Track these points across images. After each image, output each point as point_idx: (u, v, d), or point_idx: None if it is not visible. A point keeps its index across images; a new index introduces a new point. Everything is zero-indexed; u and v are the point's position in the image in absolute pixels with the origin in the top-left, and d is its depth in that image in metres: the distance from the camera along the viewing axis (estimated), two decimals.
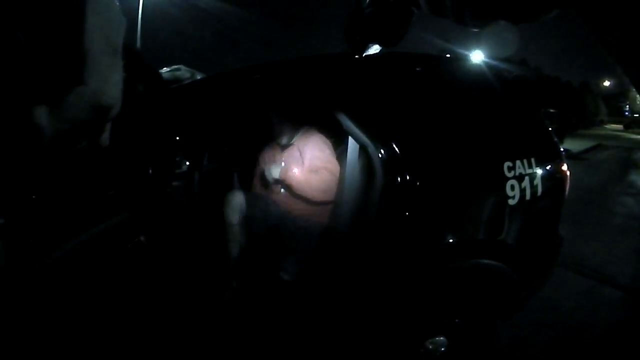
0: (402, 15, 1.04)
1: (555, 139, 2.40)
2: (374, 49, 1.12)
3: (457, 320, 1.95)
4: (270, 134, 2.64)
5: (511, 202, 1.84)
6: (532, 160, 2.04)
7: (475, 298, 1.91)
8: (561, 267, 3.77)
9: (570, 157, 13.09)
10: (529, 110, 2.39)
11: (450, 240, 1.71)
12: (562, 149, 2.53)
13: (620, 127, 45.08)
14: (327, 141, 2.54)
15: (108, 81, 1.00)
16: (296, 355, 2.03)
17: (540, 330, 2.82)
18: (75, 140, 1.06)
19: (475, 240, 1.78)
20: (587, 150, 16.68)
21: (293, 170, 2.41)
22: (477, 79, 2.31)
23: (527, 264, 2.02)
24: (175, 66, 2.26)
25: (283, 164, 2.49)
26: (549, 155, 2.27)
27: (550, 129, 2.43)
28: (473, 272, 1.80)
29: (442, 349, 2.02)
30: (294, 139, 2.58)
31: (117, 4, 1.03)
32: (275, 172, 2.41)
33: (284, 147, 2.59)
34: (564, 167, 2.37)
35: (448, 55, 2.55)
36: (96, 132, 1.07)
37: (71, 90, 0.96)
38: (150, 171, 1.91)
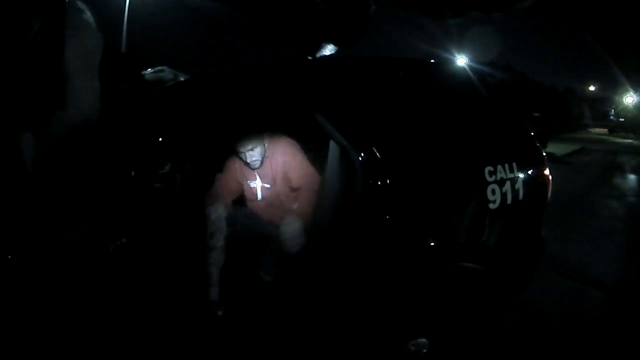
0: (359, 11, 1.03)
1: (538, 143, 2.44)
2: (329, 49, 1.10)
3: (438, 322, 1.97)
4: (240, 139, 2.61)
5: (492, 206, 1.86)
6: (514, 164, 2.06)
7: (457, 301, 1.93)
8: (544, 269, 3.83)
9: (554, 160, 13.11)
10: (511, 115, 2.42)
11: (432, 244, 1.72)
12: (544, 153, 2.57)
13: (605, 131, 45.79)
14: (296, 144, 2.53)
15: (86, 103, 1.05)
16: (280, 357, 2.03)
17: (523, 330, 2.86)
18: (57, 153, 1.10)
19: (457, 244, 1.80)
20: (571, 154, 16.67)
21: (267, 186, 2.45)
22: (460, 84, 2.33)
23: (508, 267, 2.05)
24: (159, 67, 2.24)
25: (258, 180, 2.50)
26: (530, 159, 2.30)
27: (532, 133, 2.47)
28: (454, 275, 1.82)
29: (424, 350, 2.04)
30: (261, 146, 2.46)
31: (94, 25, 1.07)
32: (251, 194, 2.45)
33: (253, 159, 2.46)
34: (546, 172, 2.40)
35: (432, 61, 2.57)
36: (75, 143, 1.12)
37: (54, 115, 1.02)
38: (133, 173, 1.89)
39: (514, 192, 1.99)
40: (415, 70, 2.23)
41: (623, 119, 47.08)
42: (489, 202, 1.85)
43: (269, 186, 2.51)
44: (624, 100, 47.00)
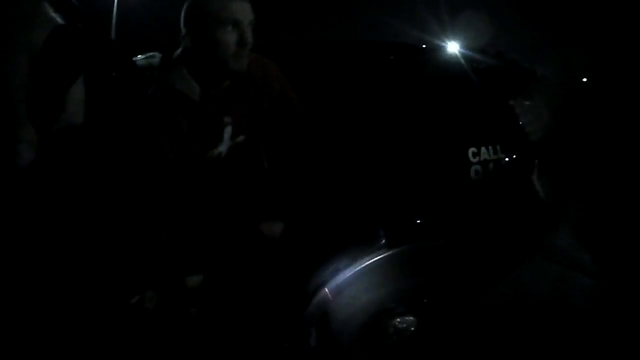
0: None
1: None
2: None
3: (425, 300, 2.03)
4: None
5: (477, 185, 1.93)
6: (498, 147, 2.13)
7: (443, 277, 2.00)
8: (536, 254, 3.92)
9: None
10: (498, 100, 2.48)
11: (418, 221, 1.80)
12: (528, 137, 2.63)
13: None
14: None
15: (81, 103, 1.11)
16: None
17: (509, 312, 2.94)
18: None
19: (442, 221, 1.87)
20: None
21: None
22: (450, 70, 2.39)
23: (494, 242, 2.12)
24: (150, 53, 2.27)
25: None
26: (514, 142, 2.37)
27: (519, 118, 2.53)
28: (439, 251, 1.89)
29: (412, 328, 2.11)
30: None
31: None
32: None
33: None
34: (530, 155, 2.47)
35: (424, 46, 2.63)
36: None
37: (57, 119, 1.06)
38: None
39: (498, 172, 2.06)
40: (407, 55, 2.29)
41: None
42: (473, 181, 1.91)
43: None
44: None
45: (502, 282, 2.60)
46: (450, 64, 2.43)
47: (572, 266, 3.77)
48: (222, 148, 1.23)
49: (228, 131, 1.23)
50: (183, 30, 1.21)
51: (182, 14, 1.21)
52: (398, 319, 2.06)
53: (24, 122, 1.13)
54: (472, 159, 1.93)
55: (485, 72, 2.61)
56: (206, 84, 1.20)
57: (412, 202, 1.85)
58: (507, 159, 2.17)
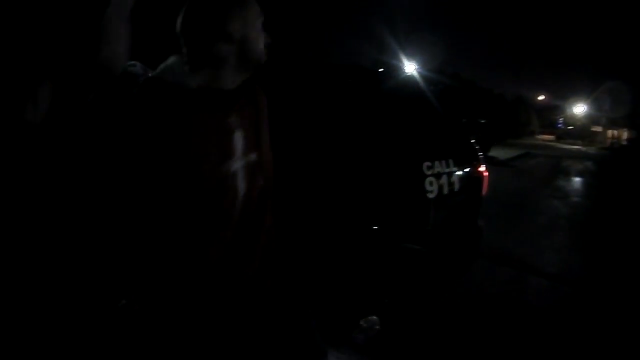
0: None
1: (476, 145, 2.77)
2: None
3: (386, 300, 2.22)
4: None
5: (430, 195, 2.14)
6: (450, 161, 2.37)
7: (400, 279, 2.19)
8: (488, 259, 4.18)
9: (497, 164, 13.62)
10: (452, 118, 2.73)
11: (375, 227, 1.98)
12: (487, 156, 2.90)
13: (552, 137, 48.60)
14: None
15: (121, 46, 1.14)
16: None
17: (467, 311, 3.14)
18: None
19: (398, 227, 2.06)
20: (515, 158, 17.46)
21: None
22: (406, 90, 2.62)
23: (447, 248, 2.34)
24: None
25: None
26: (467, 157, 2.62)
27: (473, 136, 2.80)
28: (396, 255, 2.07)
29: (377, 327, 2.28)
30: None
31: None
32: None
33: None
34: (481, 169, 2.73)
35: (381, 70, 2.85)
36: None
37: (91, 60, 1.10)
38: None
39: (450, 184, 2.29)
40: (365, 78, 2.48)
41: (572, 127, 50.30)
42: (427, 192, 2.13)
43: None
44: (574, 110, 49.90)
45: (456, 283, 2.81)
46: (407, 84, 2.66)
47: (525, 269, 4.03)
48: (236, 165, 1.14)
49: (240, 146, 1.15)
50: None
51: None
52: (362, 320, 2.23)
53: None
54: (426, 172, 2.15)
55: (442, 91, 2.87)
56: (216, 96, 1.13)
57: (371, 210, 2.02)
58: (458, 172, 2.41)
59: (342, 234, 1.92)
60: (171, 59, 1.11)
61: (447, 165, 2.31)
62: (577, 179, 13.19)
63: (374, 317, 2.25)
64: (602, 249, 5.35)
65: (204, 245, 1.10)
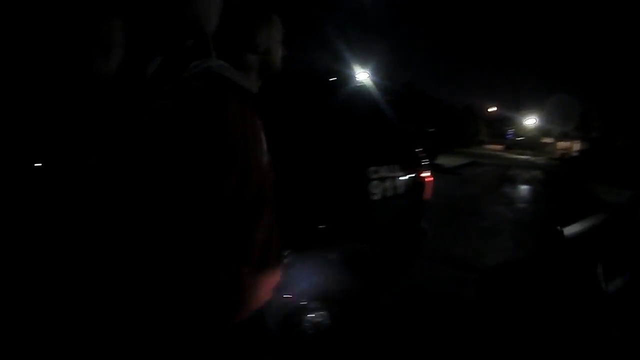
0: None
1: (424, 152, 2.98)
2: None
3: (334, 296, 2.36)
4: None
5: (375, 197, 2.32)
6: (395, 166, 2.56)
7: (346, 275, 2.34)
8: (432, 260, 4.36)
9: (443, 171, 14.09)
10: (398, 126, 2.94)
11: (322, 226, 2.12)
12: (426, 161, 3.12)
13: (501, 147, 50.73)
14: None
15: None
16: None
17: (412, 310, 3.32)
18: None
19: (344, 226, 2.21)
20: (461, 166, 17.95)
21: None
22: (355, 99, 2.77)
23: (392, 247, 2.52)
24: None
25: None
26: (411, 164, 2.83)
27: (421, 144, 3.01)
28: (342, 252, 2.22)
29: (326, 322, 2.41)
30: None
31: None
32: None
33: None
34: (425, 174, 2.95)
35: (333, 79, 3.00)
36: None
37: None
38: None
39: (394, 188, 2.48)
40: (317, 86, 2.62)
41: (522, 138, 52.68)
42: (372, 194, 2.30)
43: None
44: (525, 122, 52.25)
45: (400, 283, 2.97)
46: (357, 93, 2.81)
47: (468, 269, 4.29)
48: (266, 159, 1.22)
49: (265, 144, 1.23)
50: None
51: None
52: (312, 314, 2.36)
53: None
54: (371, 176, 2.32)
55: (393, 100, 3.07)
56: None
57: (317, 211, 2.15)
58: (402, 177, 2.60)
59: (290, 232, 2.04)
60: (215, 60, 1.18)
61: (392, 170, 2.49)
62: (524, 187, 13.72)
63: (322, 312, 2.38)
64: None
65: (252, 233, 1.14)
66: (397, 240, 2.61)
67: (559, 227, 2.15)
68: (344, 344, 2.46)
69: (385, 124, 2.85)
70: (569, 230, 2.12)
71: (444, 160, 16.53)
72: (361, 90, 2.87)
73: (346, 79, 3.09)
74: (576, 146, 43.45)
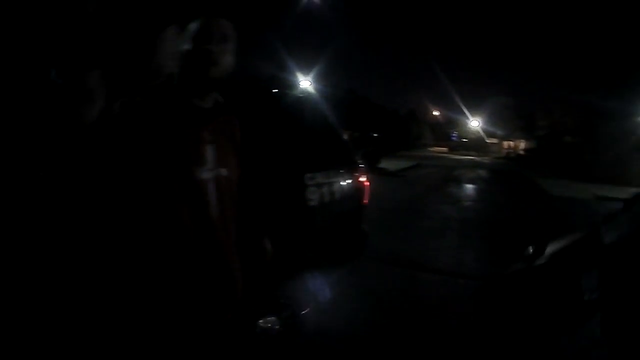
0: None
1: (367, 157, 3.16)
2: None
3: (282, 301, 2.45)
4: None
5: (312, 203, 2.44)
6: (331, 172, 2.70)
7: (293, 279, 2.44)
8: (378, 261, 4.57)
9: (387, 174, 14.27)
10: (335, 132, 3.09)
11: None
12: (362, 165, 3.28)
13: (445, 149, 52.82)
14: None
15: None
16: None
17: (361, 313, 3.40)
18: None
19: (283, 233, 2.30)
20: (405, 169, 18.48)
21: None
22: (294, 109, 2.86)
23: (332, 250, 2.64)
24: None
25: None
26: (348, 169, 2.99)
27: (364, 149, 3.18)
28: (283, 258, 2.32)
29: (277, 327, 2.47)
30: None
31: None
32: None
33: None
34: (363, 179, 3.12)
35: (275, 90, 3.08)
36: None
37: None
38: None
39: (331, 193, 2.62)
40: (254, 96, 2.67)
41: (467, 140, 55.03)
42: (309, 200, 2.42)
43: None
44: (469, 124, 54.59)
45: (345, 283, 3.09)
46: (296, 103, 2.91)
47: (417, 268, 4.51)
48: (207, 175, 1.26)
49: (211, 158, 1.28)
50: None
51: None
52: (261, 320, 2.42)
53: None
54: (307, 182, 2.44)
55: (334, 106, 3.20)
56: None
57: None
58: (339, 182, 2.75)
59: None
60: (162, 77, 1.31)
61: (328, 176, 2.63)
62: (469, 186, 14.23)
63: (273, 317, 2.45)
64: (493, 245, 5.86)
65: (181, 245, 1.22)
66: (338, 244, 2.74)
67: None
68: (295, 347, 2.54)
69: (324, 130, 2.98)
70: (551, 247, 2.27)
71: (388, 164, 16.93)
72: (300, 100, 3.00)
73: (288, 86, 3.21)
74: (521, 145, 45.71)
